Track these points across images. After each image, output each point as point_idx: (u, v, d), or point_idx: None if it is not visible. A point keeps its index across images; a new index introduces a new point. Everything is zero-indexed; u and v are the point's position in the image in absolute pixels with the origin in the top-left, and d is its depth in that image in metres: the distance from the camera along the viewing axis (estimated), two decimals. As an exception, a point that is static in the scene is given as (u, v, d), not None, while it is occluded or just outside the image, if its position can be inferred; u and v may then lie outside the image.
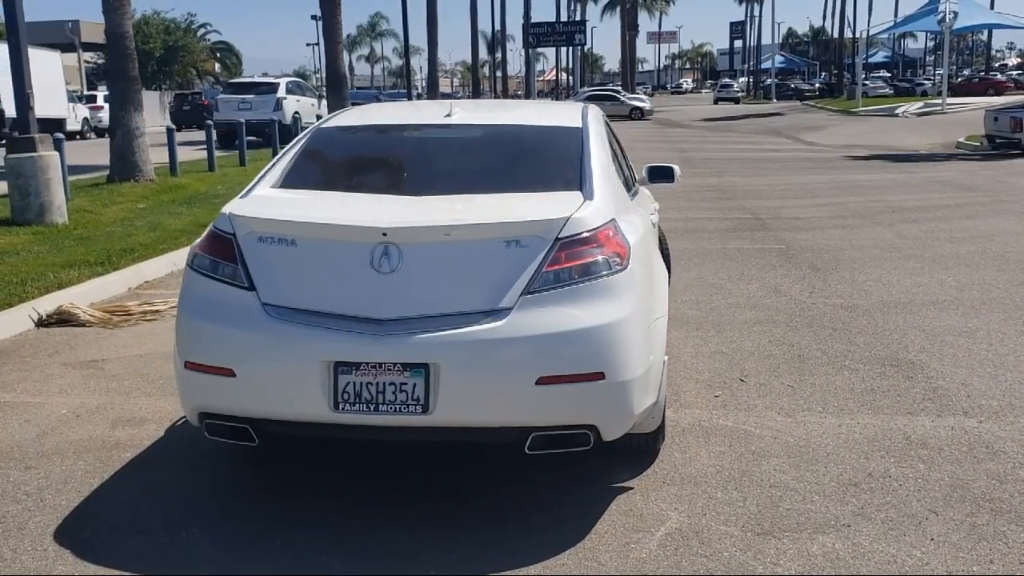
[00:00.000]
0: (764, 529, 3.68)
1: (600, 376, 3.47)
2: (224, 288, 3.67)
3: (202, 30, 62.30)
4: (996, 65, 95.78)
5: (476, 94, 46.14)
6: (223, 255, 3.71)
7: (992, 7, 56.69)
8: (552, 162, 4.32)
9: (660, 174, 5.91)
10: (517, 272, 3.50)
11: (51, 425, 4.97)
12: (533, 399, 3.45)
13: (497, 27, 48.05)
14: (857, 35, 55.00)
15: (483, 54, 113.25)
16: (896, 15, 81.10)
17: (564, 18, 66.09)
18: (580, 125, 4.55)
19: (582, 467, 4.22)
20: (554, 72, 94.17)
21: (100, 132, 33.26)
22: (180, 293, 3.92)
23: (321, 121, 4.80)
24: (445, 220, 3.58)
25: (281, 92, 24.06)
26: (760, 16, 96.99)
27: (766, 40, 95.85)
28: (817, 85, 77.79)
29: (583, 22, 56.71)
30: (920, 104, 45.68)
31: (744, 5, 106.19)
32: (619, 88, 58.05)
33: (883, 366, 5.77)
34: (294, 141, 4.58)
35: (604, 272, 3.58)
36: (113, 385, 5.65)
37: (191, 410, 3.80)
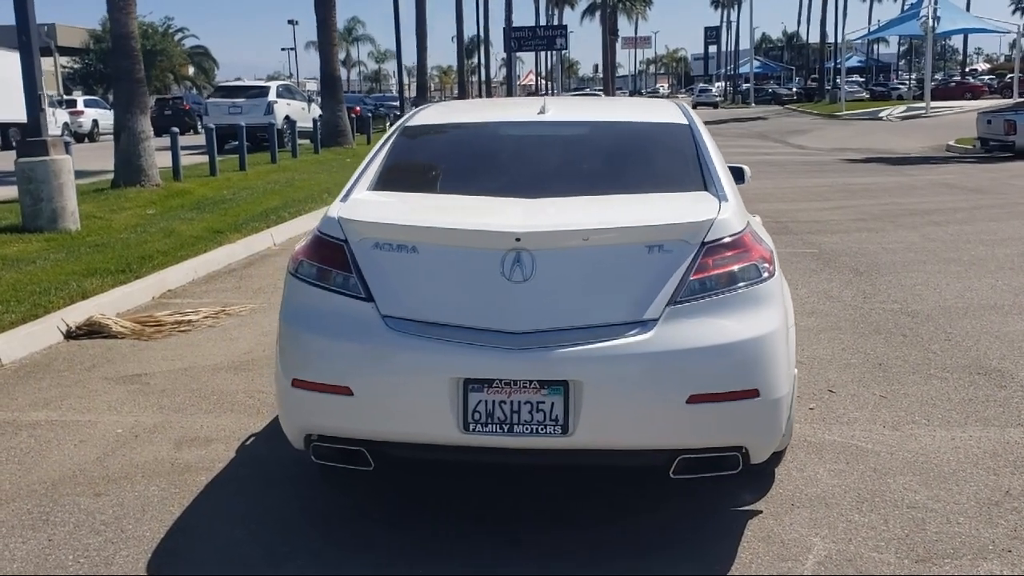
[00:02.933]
0: (920, 556, 3.42)
1: (755, 393, 3.19)
2: (337, 299, 3.36)
3: (179, 34, 61.53)
4: (967, 70, 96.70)
5: (463, 98, 45.75)
6: (334, 263, 3.39)
7: (968, 10, 57.22)
8: (668, 161, 4.04)
9: (733, 175, 5.64)
10: (661, 280, 3.21)
11: (110, 446, 4.62)
12: (683, 419, 3.16)
13: (475, 31, 47.83)
14: (839, 40, 55.29)
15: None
16: (870, 21, 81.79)
17: (542, 23, 65.97)
18: (687, 122, 4.28)
19: (704, 490, 3.94)
20: (531, 76, 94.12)
21: (80, 138, 32.59)
22: (283, 303, 3.59)
23: (404, 120, 4.47)
24: (582, 224, 3.28)
25: (272, 96, 23.56)
26: (738, 21, 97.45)
27: (743, 45, 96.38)
28: (794, 89, 78.15)
29: (564, 27, 56.52)
30: (903, 108, 45.93)
31: (719, 11, 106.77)
32: (600, 92, 57.95)
33: (970, 375, 5.53)
34: (382, 141, 4.25)
35: (754, 279, 3.31)
36: (165, 402, 5.29)
37: (297, 431, 3.47)
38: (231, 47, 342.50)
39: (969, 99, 54.25)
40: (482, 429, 3.19)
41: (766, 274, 3.35)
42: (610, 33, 57.71)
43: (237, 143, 18.21)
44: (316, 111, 25.46)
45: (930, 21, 40.54)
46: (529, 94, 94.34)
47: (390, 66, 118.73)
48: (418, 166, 4.13)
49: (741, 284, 3.27)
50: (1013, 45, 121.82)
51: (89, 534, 3.68)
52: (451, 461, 3.65)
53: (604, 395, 3.13)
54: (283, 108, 23.49)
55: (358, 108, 29.94)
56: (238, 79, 42.27)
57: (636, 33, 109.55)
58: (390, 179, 3.96)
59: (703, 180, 3.81)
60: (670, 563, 3.38)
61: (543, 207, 3.52)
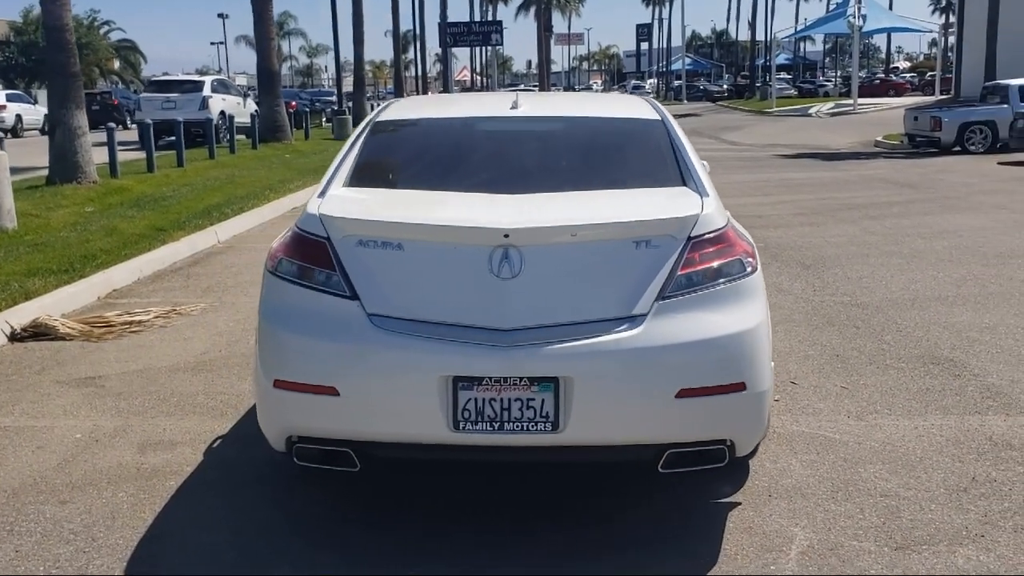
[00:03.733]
0: (899, 543, 3.49)
1: (742, 387, 3.23)
2: (320, 297, 3.29)
3: (105, 27, 59.91)
4: (889, 68, 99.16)
5: (399, 93, 45.46)
6: (316, 261, 3.33)
7: (890, 9, 58.73)
8: (645, 156, 4.05)
9: None
10: (649, 275, 3.22)
11: (70, 452, 4.47)
12: (672, 414, 3.18)
13: (409, 26, 47.46)
14: (768, 38, 56.26)
15: (392, 53, 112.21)
16: (797, 20, 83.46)
17: (477, 18, 65.86)
18: (659, 117, 4.31)
19: (683, 484, 3.96)
20: (464, 72, 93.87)
21: (3, 133, 31.46)
22: (261, 302, 3.51)
23: (376, 115, 4.40)
24: (570, 220, 3.27)
25: (207, 90, 23.06)
26: (669, 19, 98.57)
27: (675, 43, 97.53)
28: (725, 86, 79.30)
29: (499, 22, 56.45)
30: (831, 104, 46.92)
31: (651, 8, 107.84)
32: (535, 88, 58.09)
33: (925, 364, 5.67)
34: (353, 136, 4.18)
35: (738, 274, 3.34)
36: (123, 405, 5.14)
37: (278, 433, 3.40)
38: (158, 41, 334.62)
39: (893, 96, 55.67)
40: (472, 427, 3.16)
41: (749, 268, 3.38)
42: (545, 29, 57.96)
43: (171, 139, 17.81)
44: (251, 106, 25.03)
45: (857, 20, 41.48)
46: (463, 90, 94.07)
47: (322, 61, 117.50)
48: (393, 162, 4.07)
49: (726, 278, 3.30)
50: (932, 44, 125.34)
51: (59, 544, 3.56)
52: (440, 460, 3.61)
53: (594, 391, 3.13)
54: (218, 103, 23.02)
55: (294, 103, 29.53)
56: (165, 74, 41.34)
57: (569, 30, 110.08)
58: (365, 175, 3.90)
59: (681, 175, 3.83)
60: (657, 559, 3.40)
61: (528, 203, 3.50)
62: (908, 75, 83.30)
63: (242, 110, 23.31)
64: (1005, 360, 5.72)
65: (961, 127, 22.52)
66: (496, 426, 3.16)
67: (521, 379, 3.13)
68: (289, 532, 3.63)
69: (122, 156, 16.29)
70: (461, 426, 3.16)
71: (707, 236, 3.32)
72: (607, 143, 4.19)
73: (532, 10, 79.42)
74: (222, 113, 22.32)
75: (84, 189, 12.27)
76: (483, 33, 53.97)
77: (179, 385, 5.47)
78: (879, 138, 27.21)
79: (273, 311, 3.40)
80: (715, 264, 3.29)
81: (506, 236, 3.17)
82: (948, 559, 3.37)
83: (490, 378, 3.14)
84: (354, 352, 3.20)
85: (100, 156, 13.90)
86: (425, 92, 50.13)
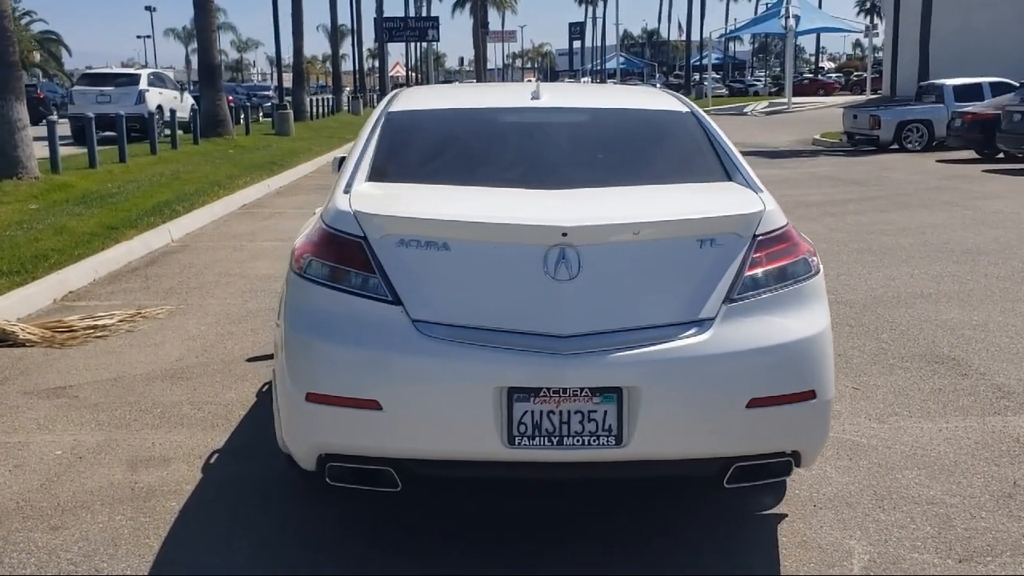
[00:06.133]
0: (960, 555, 3.34)
1: (812, 395, 3.04)
2: (357, 302, 3.01)
3: (27, 18, 57.77)
4: (813, 68, 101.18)
5: (336, 90, 44.58)
6: (351, 262, 3.04)
7: (820, 8, 59.84)
8: (682, 149, 3.84)
9: None
10: (715, 276, 3.01)
11: (53, 471, 4.10)
12: (742, 425, 2.98)
13: (343, 21, 46.64)
14: (702, 37, 56.82)
15: (327, 48, 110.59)
16: (727, 20, 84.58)
17: (412, 14, 65.15)
18: (688, 109, 4.11)
19: (718, 495, 3.78)
20: (398, 68, 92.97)
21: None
22: (287, 307, 3.20)
23: (386, 106, 4.10)
24: (630, 217, 3.04)
25: (143, 84, 22.23)
26: (604, 17, 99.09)
27: (609, 41, 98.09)
28: (658, 86, 79.84)
29: (436, 18, 55.98)
30: (766, 103, 47.57)
31: (584, 7, 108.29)
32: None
33: (930, 364, 5.59)
34: (370, 129, 3.88)
35: (805, 275, 3.16)
36: (102, 417, 4.77)
37: (309, 451, 3.10)
38: (81, 33, 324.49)
39: (823, 95, 56.77)
40: (529, 443, 2.92)
41: (814, 269, 3.20)
42: (481, 26, 57.64)
43: (106, 134, 17.10)
44: (189, 100, 24.28)
45: (791, 20, 42.13)
46: (397, 85, 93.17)
47: (251, 55, 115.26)
48: (416, 155, 3.78)
49: (793, 279, 3.12)
50: (856, 45, 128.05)
51: (59, 576, 3.22)
52: (491, 479, 3.36)
53: (661, 402, 2.91)
54: (155, 97, 22.24)
55: (231, 97, 28.76)
56: (89, 67, 39.94)
57: (503, 27, 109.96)
58: (387, 169, 3.61)
59: (724, 170, 3.64)
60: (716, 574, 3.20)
61: (577, 199, 3.26)
62: (834, 75, 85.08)
63: (180, 104, 22.56)
64: (1007, 359, 5.67)
65: (899, 125, 22.97)
66: (555, 441, 2.92)
67: (582, 390, 2.90)
68: (310, 553, 3.34)
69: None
70: (517, 441, 2.91)
71: (772, 234, 3.13)
72: (640, 136, 3.97)
73: (468, 6, 79.03)
74: (159, 107, 21.58)
75: (26, 185, 11.63)
76: (420, 29, 53.51)
77: (159, 395, 5.11)
78: (817, 136, 27.59)
79: (303, 318, 3.10)
80: (782, 264, 3.10)
81: (564, 235, 2.93)
82: (1016, 571, 3.23)
83: (548, 389, 2.89)
84: (399, 362, 2.93)
85: (41, 151, 13.27)
86: (363, 87, 49.38)
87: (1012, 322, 6.53)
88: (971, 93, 22.52)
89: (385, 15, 52.00)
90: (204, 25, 20.79)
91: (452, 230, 2.99)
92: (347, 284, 3.03)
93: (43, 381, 5.35)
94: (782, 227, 3.19)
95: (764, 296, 3.05)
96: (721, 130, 3.99)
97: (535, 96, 4.12)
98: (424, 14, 66.92)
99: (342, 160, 5.10)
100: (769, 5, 48.00)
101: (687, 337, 2.94)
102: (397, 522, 3.58)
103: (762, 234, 3.10)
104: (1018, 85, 20.30)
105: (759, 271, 3.06)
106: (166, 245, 9.88)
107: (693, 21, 68.47)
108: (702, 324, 2.97)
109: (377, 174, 3.57)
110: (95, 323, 6.45)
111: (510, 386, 2.89)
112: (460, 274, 2.98)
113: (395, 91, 4.59)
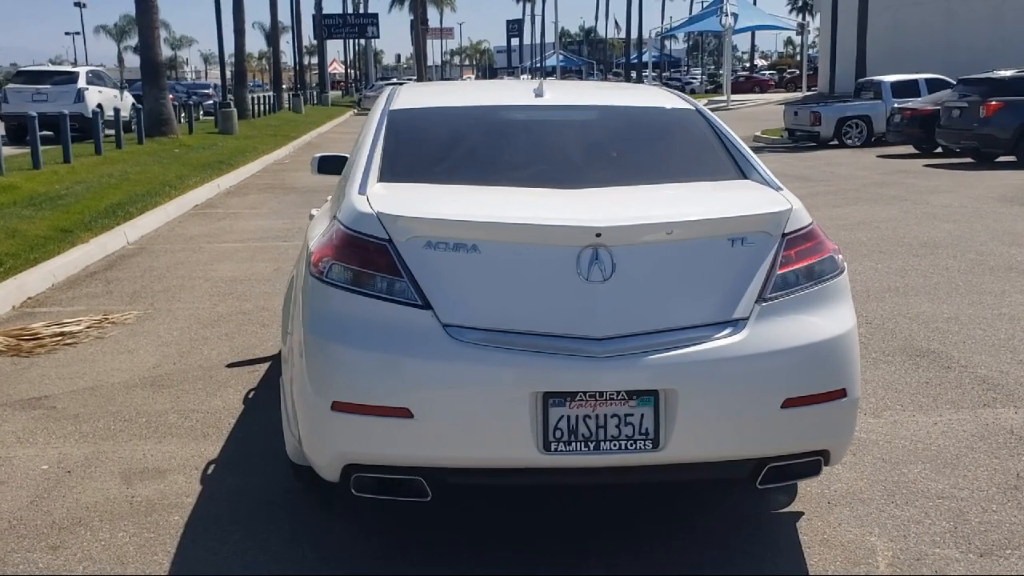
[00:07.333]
0: (980, 549, 3.37)
1: (843, 394, 3.04)
2: (384, 307, 2.91)
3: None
4: (747, 66, 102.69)
5: (277, 88, 43.84)
6: (376, 266, 2.94)
7: (755, 4, 60.73)
8: (694, 148, 3.82)
9: None
10: (747, 275, 2.99)
11: (42, 486, 3.93)
12: (777, 425, 2.96)
13: (281, 17, 45.84)
14: (642, 35, 57.27)
15: (262, 45, 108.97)
16: (663, 18, 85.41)
17: (350, 11, 64.54)
18: (693, 107, 4.09)
19: (731, 496, 3.77)
20: (335, 65, 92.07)
21: None
22: (306, 312, 3.08)
23: (387, 104, 3.99)
24: (663, 217, 3.00)
25: (82, 82, 21.54)
26: (543, 15, 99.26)
27: (548, 39, 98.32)
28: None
29: (375, 15, 55.69)
30: (705, 101, 48.06)
31: (521, 4, 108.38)
32: (412, 80, 57.39)
33: (912, 358, 5.67)
34: (375, 127, 3.76)
35: (832, 273, 3.15)
36: (85, 428, 4.58)
37: (334, 461, 2.99)
38: (3, 30, 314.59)
39: (759, 92, 57.62)
40: (565, 448, 2.86)
41: (840, 267, 3.20)
42: (421, 22, 57.32)
43: (44, 133, 16.54)
44: (129, 99, 23.64)
45: (729, 18, 42.69)
46: (336, 82, 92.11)
47: (184, 53, 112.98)
48: (426, 154, 3.68)
49: (822, 277, 3.11)
50: (788, 43, 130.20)
51: (69, 599, 3.07)
52: (526, 486, 3.29)
53: (698, 404, 2.87)
54: (95, 96, 21.61)
55: (171, 96, 28.07)
56: (13, 64, 38.72)
57: (442, 24, 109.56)
58: (398, 169, 3.51)
59: (738, 167, 3.63)
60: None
61: (606, 199, 3.21)
62: (767, 73, 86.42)
63: (120, 103, 21.96)
64: (985, 351, 5.77)
65: (839, 122, 23.43)
66: (591, 446, 2.87)
67: (618, 393, 2.85)
68: (329, 567, 3.23)
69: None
70: (553, 447, 2.85)
71: (800, 233, 3.12)
72: (651, 134, 3.94)
73: (407, 3, 78.49)
74: (100, 106, 20.98)
75: (-32, 187, 11.22)
76: (359, 25, 53.15)
77: (142, 404, 4.93)
78: (758, 133, 27.97)
79: (325, 323, 2.99)
80: (810, 262, 3.10)
81: (598, 235, 2.87)
82: (1036, 563, 3.27)
83: (584, 393, 2.84)
84: (431, 368, 2.84)
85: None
86: (303, 85, 48.67)
87: (982, 314, 6.66)
88: (908, 89, 23.07)
89: (324, 12, 51.44)
90: (147, 22, 20.26)
91: (483, 231, 2.92)
92: (372, 288, 2.94)
93: (15, 392, 5.13)
94: (808, 225, 3.18)
95: (795, 295, 3.03)
96: (728, 127, 3.98)
97: (539, 93, 4.06)
98: (362, 11, 66.41)
99: (323, 159, 4.99)
100: (706, 4, 48.59)
101: (722, 338, 2.91)
102: (415, 534, 3.49)
103: (791, 232, 3.09)
104: (954, 82, 20.82)
105: (789, 270, 3.04)
106: (123, 248, 9.60)
107: (637, 19, 69.09)
108: (736, 324, 2.94)
109: (388, 174, 3.47)
110: (62, 330, 6.22)
111: (546, 391, 2.83)
112: (490, 277, 2.91)
113: (392, 88, 4.48)
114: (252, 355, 5.77)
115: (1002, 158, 17.76)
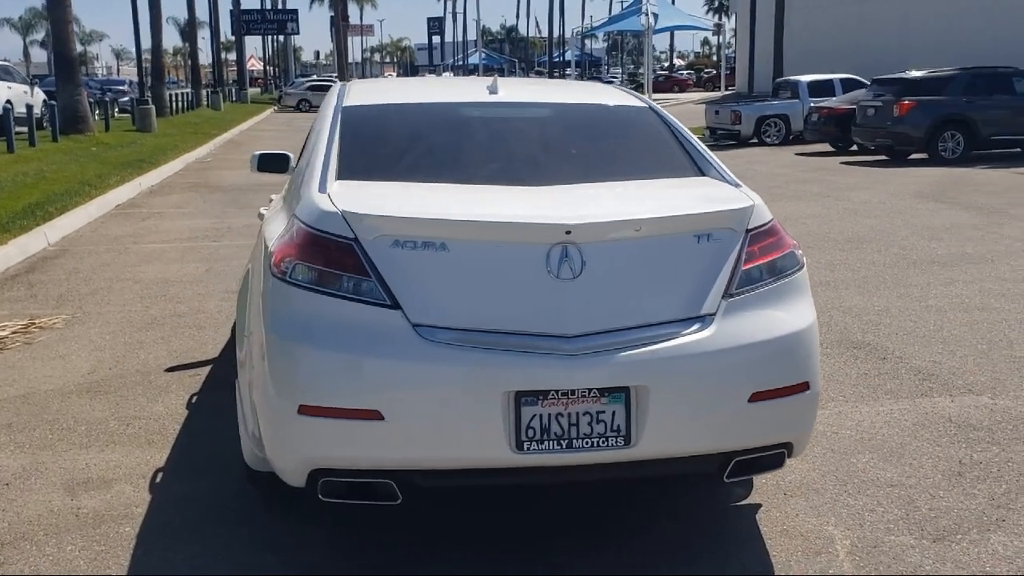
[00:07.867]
0: (932, 534, 3.47)
1: (806, 387, 3.09)
2: (351, 307, 2.86)
3: None
4: (666, 66, 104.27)
5: (196, 84, 42.75)
6: (342, 265, 2.88)
7: (673, 4, 61.67)
8: (650, 145, 3.85)
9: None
10: (713, 271, 3.02)
11: (-21, 500, 3.75)
12: (744, 419, 2.99)
13: (194, 13, 44.62)
14: (564, 34, 57.61)
15: (177, 41, 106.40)
16: (583, 17, 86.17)
17: (269, 7, 63.49)
18: (646, 105, 4.12)
19: (691, 488, 3.81)
20: (253, 61, 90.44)
21: None
22: (267, 315, 3.00)
23: (339, 100, 3.91)
24: (630, 214, 3.00)
25: (-11, 77, 20.86)
26: (465, 13, 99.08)
27: (470, 36, 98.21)
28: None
29: (295, 11, 54.89)
30: (627, 99, 48.63)
31: (442, 2, 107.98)
32: (335, 79, 56.79)
33: (849, 349, 5.81)
34: (329, 125, 3.69)
35: (793, 268, 3.20)
36: (21, 438, 4.40)
37: (299, 466, 2.93)
38: None
39: (678, 92, 58.54)
40: (538, 447, 2.85)
41: (800, 262, 3.26)
42: (342, 19, 56.69)
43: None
44: (40, 95, 22.84)
45: (650, 18, 43.24)
46: (255, 79, 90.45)
47: (95, 48, 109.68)
48: (385, 152, 3.62)
49: (784, 273, 3.16)
50: (704, 43, 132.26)
51: (20, 617, 2.94)
52: (498, 486, 3.26)
53: (669, 399, 2.89)
54: (3, 91, 20.73)
55: (86, 92, 27.22)
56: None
57: (362, 20, 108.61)
58: (356, 167, 3.44)
59: (695, 164, 3.67)
60: (713, 572, 3.22)
61: (572, 196, 3.20)
62: (685, 72, 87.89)
63: (31, 99, 21.18)
64: (917, 342, 5.94)
65: (758, 120, 23.93)
66: (564, 444, 2.86)
67: (590, 391, 2.84)
68: (291, 569, 3.17)
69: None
70: (525, 446, 2.84)
71: (763, 228, 3.17)
72: (607, 131, 3.95)
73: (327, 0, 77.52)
74: (9, 102, 20.19)
75: None
76: (279, 22, 52.36)
77: (79, 411, 4.75)
78: (682, 131, 28.34)
79: (289, 325, 2.92)
80: (773, 258, 3.14)
81: (568, 232, 2.86)
82: (985, 547, 3.37)
83: (557, 391, 2.83)
84: (401, 369, 2.80)
85: None
86: (221, 82, 47.66)
87: (910, 307, 6.86)
88: (824, 89, 23.68)
89: (243, 7, 50.48)
90: (60, 16, 19.61)
91: (452, 230, 2.88)
92: (339, 289, 2.88)
93: (-59, 401, 4.91)
94: (770, 221, 3.23)
95: (760, 290, 3.07)
96: (681, 124, 4.02)
97: (493, 91, 4.04)
98: (281, 7, 65.37)
99: (263, 157, 4.88)
100: (626, 4, 49.15)
101: (691, 333, 2.93)
102: (377, 535, 3.44)
103: (754, 228, 3.13)
104: (867, 82, 21.43)
105: (753, 265, 3.08)
106: (44, 249, 9.25)
107: (558, 18, 69.54)
108: (704, 320, 2.96)
109: (347, 172, 3.41)
110: (-15, 336, 5.97)
111: (518, 390, 2.81)
112: (459, 275, 2.88)
113: (343, 85, 4.40)
114: (192, 358, 5.61)
115: (915, 155, 18.39)
